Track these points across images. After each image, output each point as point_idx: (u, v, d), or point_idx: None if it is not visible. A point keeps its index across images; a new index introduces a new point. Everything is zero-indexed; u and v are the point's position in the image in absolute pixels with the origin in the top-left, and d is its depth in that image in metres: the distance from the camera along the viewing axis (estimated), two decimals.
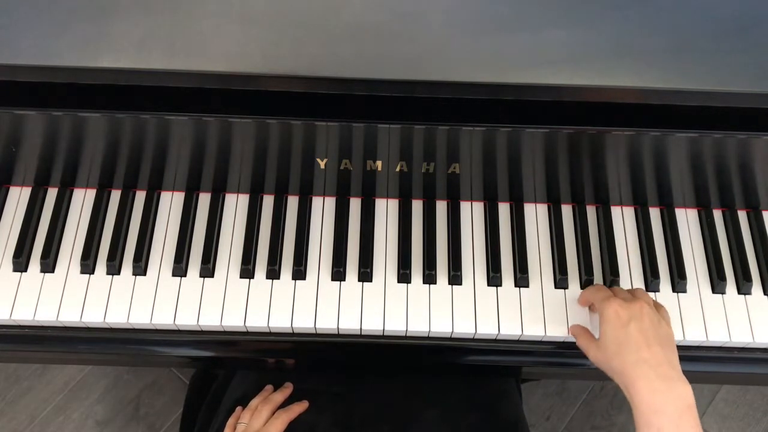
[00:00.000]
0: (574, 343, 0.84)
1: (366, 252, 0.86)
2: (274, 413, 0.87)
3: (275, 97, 0.73)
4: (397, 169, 0.84)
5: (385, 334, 0.83)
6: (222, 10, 0.70)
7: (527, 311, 0.83)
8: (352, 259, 0.86)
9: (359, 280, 0.84)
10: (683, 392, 0.67)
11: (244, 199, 0.89)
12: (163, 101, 0.74)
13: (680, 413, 0.65)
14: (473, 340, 0.84)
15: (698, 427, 0.66)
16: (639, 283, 0.86)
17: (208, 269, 0.84)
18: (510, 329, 0.82)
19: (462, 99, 0.74)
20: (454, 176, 0.84)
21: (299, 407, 0.88)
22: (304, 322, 0.82)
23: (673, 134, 0.76)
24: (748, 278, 0.86)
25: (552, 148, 0.78)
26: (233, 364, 0.98)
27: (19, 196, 0.89)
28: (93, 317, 0.82)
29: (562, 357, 0.86)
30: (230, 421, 0.88)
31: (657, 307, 0.77)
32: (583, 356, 0.86)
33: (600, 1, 0.72)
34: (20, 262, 0.84)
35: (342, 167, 0.83)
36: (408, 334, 0.84)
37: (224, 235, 0.87)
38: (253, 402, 0.89)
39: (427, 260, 0.85)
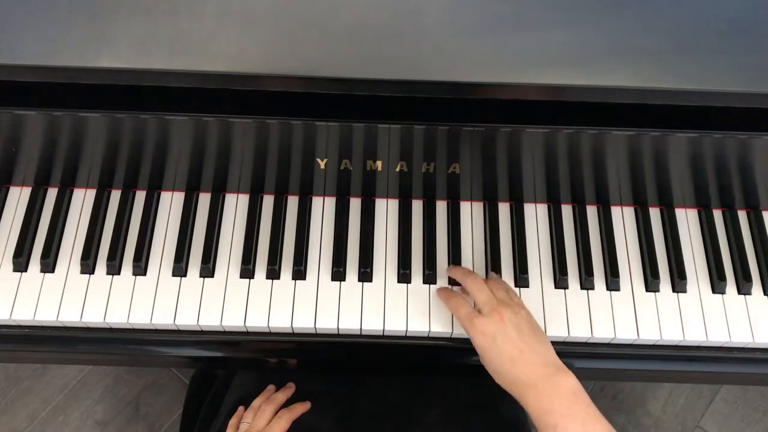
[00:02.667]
0: (575, 342, 0.84)
1: (366, 252, 0.86)
2: (277, 413, 0.87)
3: (275, 97, 0.73)
4: (397, 169, 0.84)
5: (385, 334, 0.83)
6: (222, 10, 0.70)
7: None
8: (352, 259, 0.86)
9: (359, 280, 0.84)
10: (565, 382, 0.68)
11: (244, 199, 0.89)
12: (163, 101, 0.74)
13: (569, 403, 0.67)
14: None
15: (590, 407, 0.67)
16: (639, 283, 0.86)
17: (208, 269, 0.84)
18: None
19: (462, 99, 0.74)
20: (454, 176, 0.84)
21: (302, 407, 0.88)
22: (304, 322, 0.82)
23: (673, 134, 0.76)
24: (748, 278, 0.86)
25: (552, 148, 0.79)
26: (233, 364, 0.98)
27: (19, 196, 0.89)
28: (93, 317, 0.82)
29: (562, 357, 0.86)
30: (233, 421, 0.88)
31: (510, 294, 0.77)
32: (583, 356, 0.86)
33: (600, 1, 0.72)
34: (20, 262, 0.84)
35: (342, 167, 0.83)
36: (408, 334, 0.84)
37: (224, 235, 0.87)
38: (256, 402, 0.89)
39: (427, 260, 0.85)
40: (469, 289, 0.77)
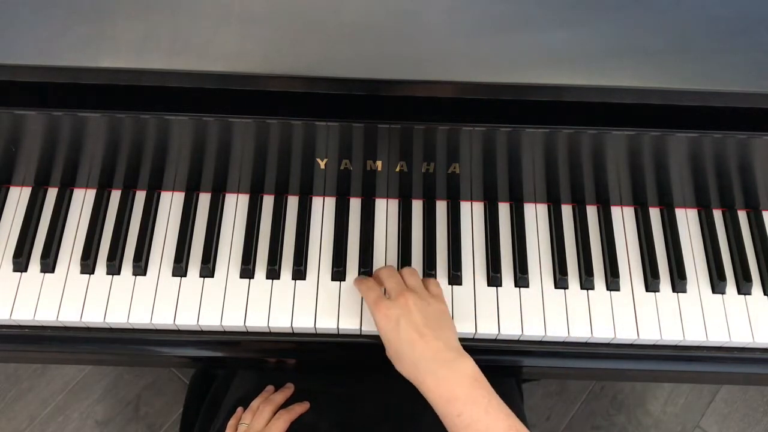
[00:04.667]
0: (575, 343, 0.84)
1: (366, 252, 0.86)
2: (275, 414, 0.86)
3: (275, 97, 0.73)
4: (397, 169, 0.84)
5: None
6: (222, 10, 0.70)
7: (527, 311, 0.83)
8: (352, 259, 0.86)
9: None
10: (465, 367, 0.68)
11: (244, 199, 0.89)
12: (163, 101, 0.74)
13: (471, 390, 0.67)
14: (473, 340, 0.84)
15: (492, 394, 0.68)
16: (639, 283, 0.86)
17: (208, 269, 0.84)
18: (510, 329, 0.82)
19: (462, 99, 0.74)
20: (454, 176, 0.84)
21: (301, 407, 0.88)
22: (304, 322, 0.82)
23: (673, 134, 0.76)
24: (748, 278, 0.86)
25: (552, 148, 0.79)
26: (233, 364, 0.98)
27: (19, 196, 0.89)
28: (93, 317, 0.82)
29: (563, 357, 0.86)
30: (231, 422, 0.88)
31: (427, 283, 0.77)
32: (583, 356, 0.86)
33: (600, 1, 0.72)
34: (20, 262, 0.84)
35: (342, 167, 0.83)
36: None
37: (224, 235, 0.87)
38: (254, 403, 0.89)
39: (427, 260, 0.85)
40: (381, 276, 0.78)
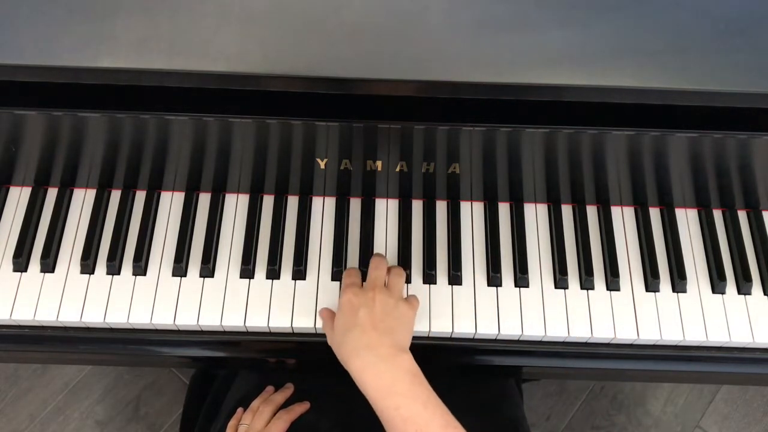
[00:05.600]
0: (575, 343, 0.84)
1: (366, 252, 0.86)
2: (275, 414, 0.86)
3: (275, 97, 0.73)
4: (397, 169, 0.84)
5: None
6: (222, 10, 0.70)
7: (527, 311, 0.83)
8: (352, 259, 0.86)
9: None
10: (404, 362, 0.70)
11: (244, 199, 0.89)
12: (163, 101, 0.74)
13: (411, 385, 0.68)
14: (473, 340, 0.84)
15: (429, 390, 0.69)
16: (639, 283, 0.86)
17: (208, 269, 0.84)
18: (510, 329, 0.82)
19: (462, 99, 0.74)
20: (454, 176, 0.84)
21: (301, 408, 0.88)
22: (303, 322, 0.82)
23: (673, 134, 0.76)
24: (748, 278, 0.85)
25: (552, 148, 0.78)
26: (233, 364, 0.98)
27: (19, 196, 0.89)
28: (93, 317, 0.82)
29: (563, 357, 0.86)
30: (231, 423, 0.88)
31: (411, 299, 0.79)
32: (583, 356, 0.86)
33: (600, 1, 0.72)
34: (20, 262, 0.84)
35: (342, 167, 0.83)
36: None
37: (224, 235, 0.87)
38: (255, 403, 0.89)
39: (427, 260, 0.85)
40: (370, 265, 0.79)
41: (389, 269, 0.80)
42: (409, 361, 0.70)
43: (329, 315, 0.79)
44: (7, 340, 0.84)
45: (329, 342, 0.77)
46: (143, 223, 0.86)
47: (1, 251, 0.85)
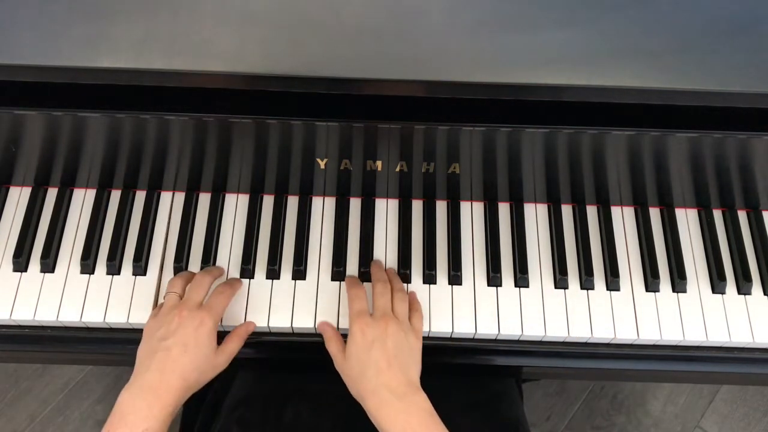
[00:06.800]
0: (575, 343, 0.84)
1: (366, 252, 0.86)
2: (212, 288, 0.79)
3: (275, 97, 0.73)
4: (397, 169, 0.84)
5: None
6: (222, 10, 0.70)
7: (527, 311, 0.83)
8: (352, 259, 0.86)
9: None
10: (419, 401, 0.71)
11: (244, 199, 0.89)
12: (163, 101, 0.74)
13: (427, 423, 0.69)
14: (473, 340, 0.84)
15: (444, 429, 0.70)
16: (639, 283, 0.86)
17: None
18: (510, 329, 0.82)
19: (462, 99, 0.74)
20: (454, 176, 0.84)
21: (239, 282, 0.83)
22: (304, 322, 0.82)
23: (673, 134, 0.76)
24: (748, 278, 0.86)
25: (552, 148, 0.78)
26: (233, 363, 0.98)
27: (19, 196, 0.89)
28: (93, 317, 0.82)
29: (563, 357, 0.86)
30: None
31: (413, 315, 0.79)
32: (583, 356, 0.86)
33: (600, 2, 0.72)
34: (20, 262, 0.84)
35: (342, 167, 0.83)
36: None
37: (224, 235, 0.87)
38: (184, 274, 0.81)
39: (427, 260, 0.85)
40: (375, 291, 0.79)
41: (391, 290, 0.80)
42: (424, 401, 0.71)
43: (335, 334, 0.79)
44: (7, 340, 0.84)
45: (338, 368, 0.77)
46: (143, 223, 0.86)
47: (1, 251, 0.85)
